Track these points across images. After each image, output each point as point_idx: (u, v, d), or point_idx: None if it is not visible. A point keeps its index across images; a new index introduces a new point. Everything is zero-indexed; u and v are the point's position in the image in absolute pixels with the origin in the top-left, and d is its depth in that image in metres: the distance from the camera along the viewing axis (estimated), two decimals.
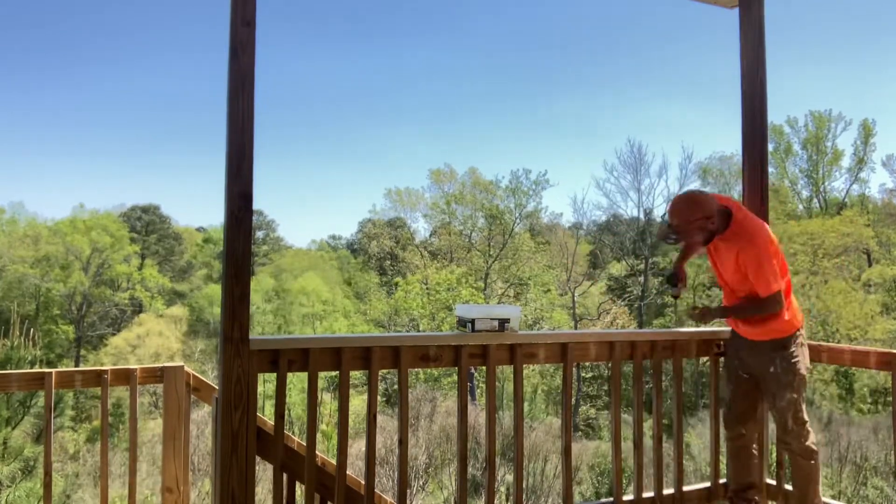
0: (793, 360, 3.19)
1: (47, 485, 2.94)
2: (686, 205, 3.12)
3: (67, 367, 27.63)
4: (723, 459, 3.66)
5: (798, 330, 3.24)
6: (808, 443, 3.22)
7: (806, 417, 3.23)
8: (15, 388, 3.17)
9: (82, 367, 10.29)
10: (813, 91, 41.78)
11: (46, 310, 33.87)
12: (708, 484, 3.65)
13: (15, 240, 34.61)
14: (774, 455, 3.66)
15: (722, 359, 3.63)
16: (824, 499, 3.49)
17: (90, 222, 36.70)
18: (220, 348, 2.68)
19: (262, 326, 31.99)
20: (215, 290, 34.51)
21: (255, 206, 2.81)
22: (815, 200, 36.30)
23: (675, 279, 3.40)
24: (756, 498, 3.47)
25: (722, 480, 3.65)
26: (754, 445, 3.48)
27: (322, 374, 2.91)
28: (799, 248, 29.34)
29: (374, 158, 49.30)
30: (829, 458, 17.62)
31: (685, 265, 3.49)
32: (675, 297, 3.48)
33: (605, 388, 30.07)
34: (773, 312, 3.15)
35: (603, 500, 3.55)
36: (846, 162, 35.03)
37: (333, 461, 2.93)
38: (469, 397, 3.12)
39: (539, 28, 45.60)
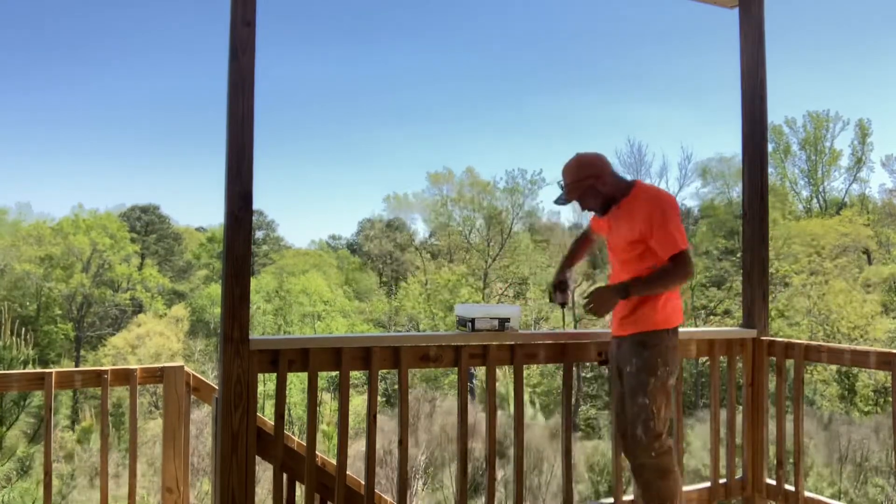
0: (650, 361, 2.82)
1: (47, 485, 2.93)
2: (576, 163, 2.94)
3: (67, 367, 27.63)
4: (723, 460, 3.66)
5: (669, 330, 2.88)
6: (660, 459, 2.83)
7: (661, 430, 2.82)
8: (15, 387, 3.16)
9: (82, 367, 10.29)
10: (810, 92, 41.75)
11: (47, 310, 33.88)
12: (708, 484, 3.65)
13: (18, 239, 34.61)
14: (774, 455, 3.66)
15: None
16: (823, 498, 3.49)
17: (90, 222, 36.69)
18: (220, 348, 2.68)
19: (262, 326, 31.97)
20: (215, 290, 34.49)
21: (255, 206, 2.81)
22: (815, 200, 36.33)
23: (555, 288, 3.21)
24: None
25: (722, 480, 3.65)
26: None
27: (322, 374, 2.91)
28: (799, 249, 29.36)
29: (373, 159, 49.32)
30: (829, 457, 17.64)
31: (568, 272, 3.29)
32: (563, 305, 3.29)
33: (606, 388, 30.07)
34: (686, 277, 2.82)
35: (603, 500, 3.54)
36: (845, 162, 35.11)
37: (333, 461, 2.93)
38: (469, 397, 3.11)
39: (539, 28, 45.63)
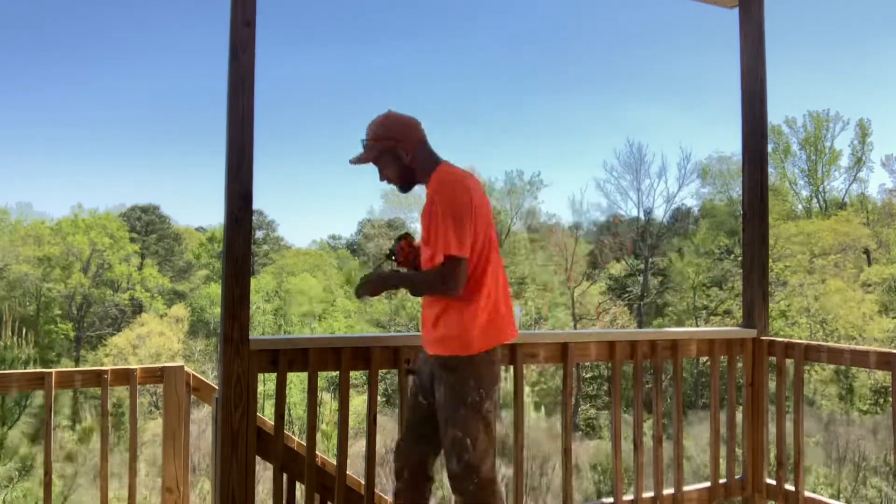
0: (458, 388, 2.39)
1: (47, 485, 2.93)
2: (383, 119, 2.53)
3: (67, 367, 27.61)
4: (723, 460, 3.66)
5: (488, 352, 2.42)
6: (480, 494, 2.44)
7: (478, 462, 2.42)
8: (15, 388, 3.16)
9: (82, 367, 10.29)
10: (810, 91, 41.78)
11: (47, 310, 33.87)
12: (708, 484, 3.65)
13: (17, 239, 34.61)
14: (774, 455, 3.66)
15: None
16: (823, 498, 3.49)
17: (89, 222, 36.69)
18: (220, 348, 2.69)
19: (262, 326, 31.98)
20: (215, 290, 34.51)
21: (255, 206, 2.81)
22: (815, 200, 36.34)
23: (392, 253, 2.67)
24: None
25: (722, 480, 3.65)
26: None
27: (322, 374, 2.91)
28: (797, 248, 29.36)
29: None
30: (828, 458, 17.65)
31: (414, 242, 2.68)
32: (390, 258, 2.73)
33: (605, 388, 30.08)
34: (446, 290, 2.35)
35: (603, 500, 3.54)
36: (844, 161, 35.14)
37: (333, 461, 2.93)
38: None
39: (539, 28, 45.63)
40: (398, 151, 2.47)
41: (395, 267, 2.67)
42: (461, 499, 2.46)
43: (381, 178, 2.55)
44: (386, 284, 2.60)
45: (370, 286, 2.53)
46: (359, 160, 2.53)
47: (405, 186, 2.55)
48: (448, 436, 2.44)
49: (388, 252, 2.67)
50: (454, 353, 2.41)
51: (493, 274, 2.46)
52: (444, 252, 2.30)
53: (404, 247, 2.63)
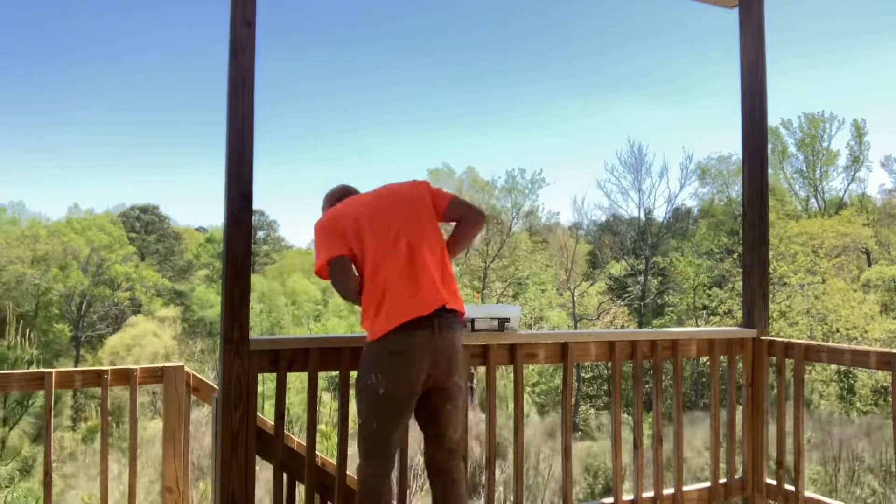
0: (359, 372, 2.60)
1: (47, 485, 2.93)
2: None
3: (66, 367, 27.60)
4: (723, 460, 3.66)
5: (377, 340, 2.52)
6: (361, 474, 2.58)
7: (363, 445, 2.56)
8: (15, 388, 3.16)
9: (82, 367, 10.29)
10: (806, 93, 41.86)
11: (45, 309, 33.87)
12: (708, 484, 3.65)
13: (13, 239, 34.59)
14: (774, 455, 3.66)
15: None
16: (823, 498, 3.49)
17: (88, 222, 36.70)
18: (221, 348, 2.69)
19: (262, 327, 32.00)
20: (215, 289, 34.54)
21: (256, 206, 2.81)
22: (813, 201, 36.38)
23: None
24: None
25: (722, 480, 3.65)
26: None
27: (322, 374, 2.91)
28: (798, 248, 29.37)
29: (373, 158, 49.29)
30: (824, 457, 17.65)
31: None
32: None
33: (605, 388, 30.08)
34: (341, 295, 2.70)
35: (603, 500, 3.54)
36: (842, 161, 35.19)
37: (333, 461, 2.93)
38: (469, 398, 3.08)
39: (539, 28, 45.62)
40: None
41: None
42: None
43: None
44: None
45: None
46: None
47: None
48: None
49: None
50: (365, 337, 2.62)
51: (381, 270, 2.56)
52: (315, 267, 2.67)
53: None
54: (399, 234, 2.58)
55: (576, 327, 30.33)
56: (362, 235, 2.57)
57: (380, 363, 2.49)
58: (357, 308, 2.70)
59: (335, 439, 2.89)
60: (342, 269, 2.58)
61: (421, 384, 2.53)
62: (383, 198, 2.70)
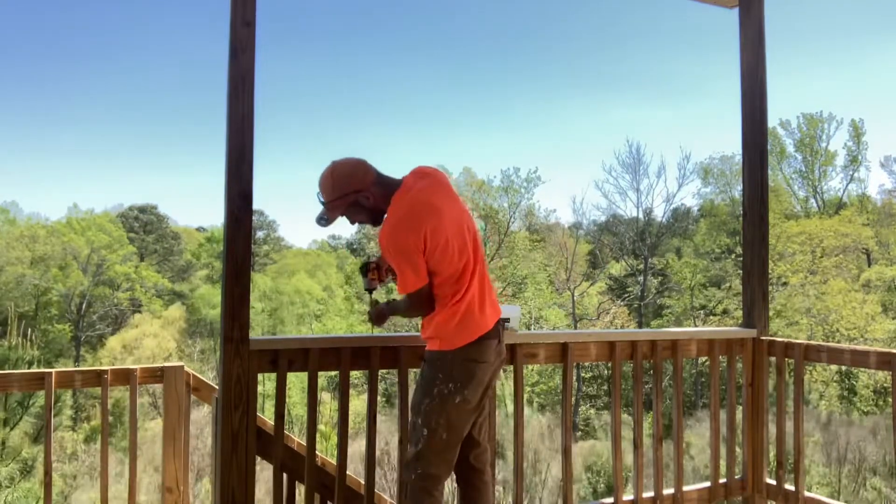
0: (430, 380, 2.55)
1: (47, 485, 2.93)
2: (330, 178, 2.55)
3: (66, 367, 27.62)
4: (723, 460, 3.66)
5: (454, 350, 2.52)
6: (418, 485, 2.56)
7: (426, 455, 2.53)
8: (15, 388, 3.16)
9: (82, 367, 10.30)
10: (804, 93, 41.87)
11: (45, 310, 33.86)
12: (708, 484, 3.65)
13: (12, 240, 34.59)
14: (774, 455, 3.66)
15: None
16: (823, 498, 3.49)
17: (87, 222, 36.69)
18: (221, 348, 2.69)
19: (262, 327, 31.99)
20: (215, 289, 34.53)
21: (256, 206, 2.81)
22: (812, 201, 36.41)
23: (366, 269, 2.86)
24: None
25: (722, 480, 3.65)
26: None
27: (322, 374, 2.91)
28: (798, 249, 29.37)
29: (373, 158, 49.16)
30: (828, 458, 17.64)
31: (379, 263, 2.91)
32: (369, 291, 2.89)
33: (605, 388, 30.08)
34: (419, 314, 2.63)
35: (603, 499, 3.54)
36: (840, 161, 35.21)
37: (333, 461, 2.93)
38: None
39: (538, 27, 45.61)
40: (361, 200, 2.55)
41: (368, 285, 2.88)
42: (406, 482, 2.61)
43: (353, 223, 2.69)
44: (383, 318, 2.84)
45: (377, 321, 2.83)
46: (327, 221, 2.60)
47: (377, 222, 2.63)
48: (409, 421, 2.66)
49: (367, 290, 2.88)
50: (431, 347, 2.60)
51: (468, 278, 2.57)
52: (402, 291, 2.54)
53: (375, 276, 2.85)
54: (466, 238, 2.59)
55: (576, 327, 30.31)
56: (452, 242, 2.52)
57: (457, 372, 2.53)
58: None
59: (335, 439, 2.89)
60: (428, 296, 2.54)
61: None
62: (448, 199, 2.62)
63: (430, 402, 2.53)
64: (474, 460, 2.73)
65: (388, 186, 2.57)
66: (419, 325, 2.73)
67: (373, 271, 2.84)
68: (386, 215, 2.55)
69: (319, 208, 2.59)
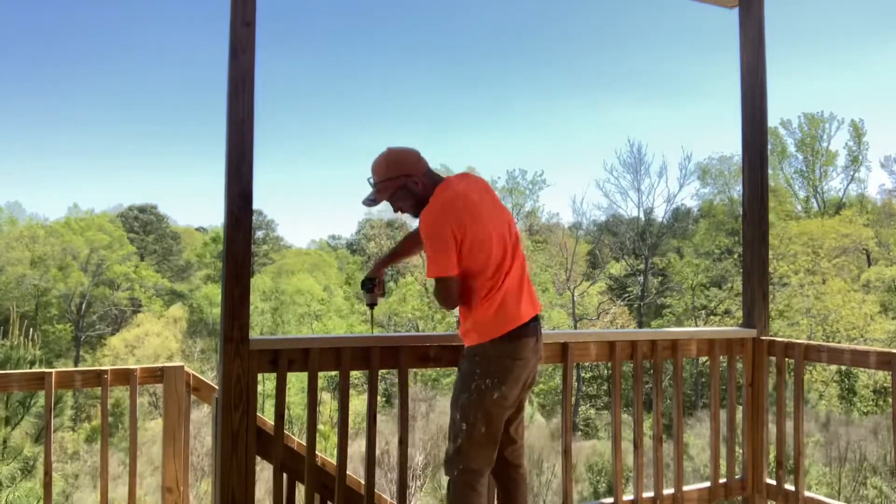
0: (468, 376, 2.60)
1: (47, 485, 2.93)
2: (384, 160, 2.69)
3: (66, 367, 27.61)
4: (723, 460, 3.66)
5: (491, 346, 2.57)
6: (460, 480, 2.60)
7: (468, 450, 2.58)
8: (15, 388, 3.16)
9: (82, 367, 10.30)
10: (805, 93, 41.89)
11: (45, 310, 33.87)
12: (708, 484, 3.65)
13: (12, 240, 34.59)
14: (774, 455, 3.66)
15: None
16: (823, 498, 3.49)
17: (87, 222, 36.69)
18: (220, 348, 2.68)
19: (263, 327, 31.99)
20: (215, 289, 34.52)
21: (255, 206, 2.81)
22: (813, 201, 36.40)
23: (370, 284, 2.93)
24: None
25: (722, 480, 3.65)
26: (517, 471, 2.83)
27: (322, 374, 2.90)
28: (798, 249, 29.38)
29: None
30: (828, 457, 17.64)
31: (385, 270, 3.01)
32: (371, 306, 2.98)
33: (605, 388, 30.09)
34: (441, 305, 2.67)
35: (603, 499, 3.54)
36: (841, 161, 35.22)
37: (333, 461, 2.93)
38: None
39: (540, 28, 45.62)
40: (410, 185, 2.65)
41: (369, 300, 2.96)
42: (449, 478, 2.65)
43: (396, 211, 2.74)
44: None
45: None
46: (374, 201, 2.69)
47: (418, 212, 2.66)
48: (451, 414, 2.66)
49: (369, 304, 2.98)
50: (469, 342, 2.64)
51: (504, 275, 2.60)
52: (428, 274, 2.58)
53: (379, 291, 2.95)
54: (506, 239, 2.64)
55: (576, 327, 30.31)
56: (492, 235, 2.58)
57: (494, 368, 2.56)
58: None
59: (335, 439, 2.89)
60: (457, 285, 2.57)
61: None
62: (487, 195, 2.71)
63: (468, 398, 2.58)
64: (510, 455, 2.78)
65: (433, 178, 2.68)
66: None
67: (377, 286, 2.94)
68: (429, 204, 2.62)
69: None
